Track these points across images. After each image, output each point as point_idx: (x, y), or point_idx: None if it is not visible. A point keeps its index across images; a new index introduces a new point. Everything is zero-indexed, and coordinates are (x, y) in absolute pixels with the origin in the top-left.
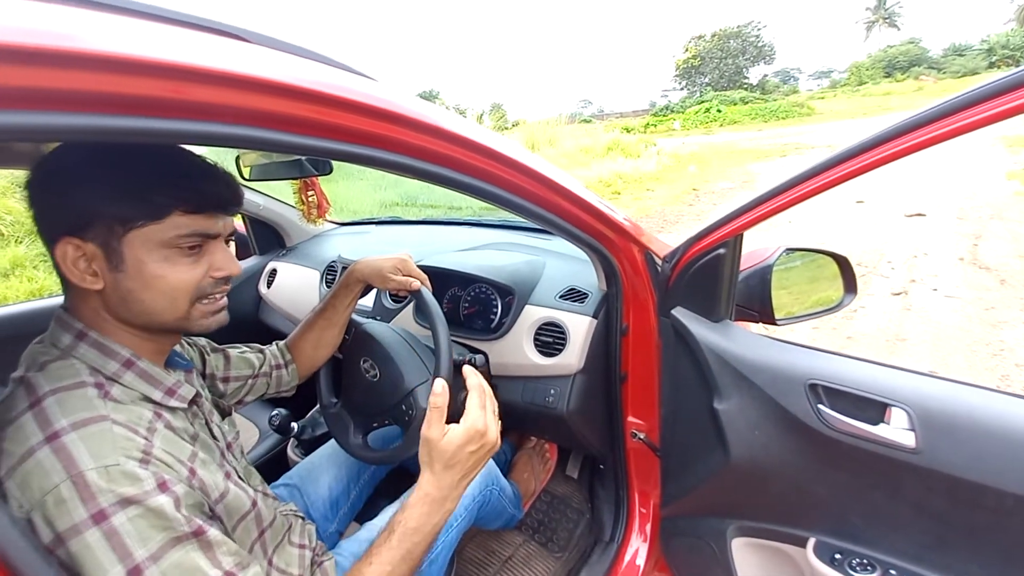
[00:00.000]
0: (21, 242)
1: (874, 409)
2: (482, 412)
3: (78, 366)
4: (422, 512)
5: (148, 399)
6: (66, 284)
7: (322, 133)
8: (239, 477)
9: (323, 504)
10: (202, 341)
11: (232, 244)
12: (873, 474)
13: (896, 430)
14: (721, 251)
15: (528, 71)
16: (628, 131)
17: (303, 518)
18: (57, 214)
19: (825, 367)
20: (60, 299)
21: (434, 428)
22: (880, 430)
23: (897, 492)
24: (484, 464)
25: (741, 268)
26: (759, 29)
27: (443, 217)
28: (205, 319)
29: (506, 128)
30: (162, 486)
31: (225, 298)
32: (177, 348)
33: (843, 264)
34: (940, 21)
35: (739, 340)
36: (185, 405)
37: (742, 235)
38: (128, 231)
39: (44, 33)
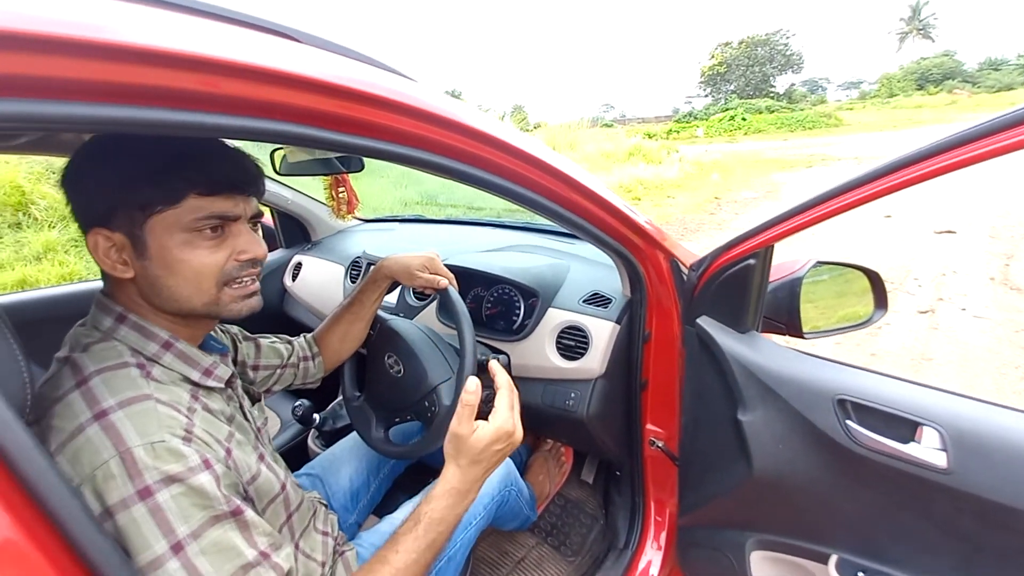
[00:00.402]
0: (54, 227)
1: (905, 427)
2: (511, 413)
3: (120, 348)
4: (447, 504)
5: (187, 380)
6: (103, 272)
7: (367, 132)
8: (271, 460)
9: (344, 495)
10: (234, 329)
11: (259, 229)
12: (901, 493)
13: (927, 449)
14: (751, 262)
15: (551, 73)
16: (650, 137)
17: (326, 506)
18: (85, 205)
19: (854, 383)
20: (97, 283)
21: (464, 424)
22: (910, 449)
23: (925, 512)
24: (504, 459)
25: (770, 280)
26: (788, 37)
27: (466, 217)
28: (235, 304)
29: (527, 130)
30: (204, 463)
31: (257, 283)
32: (212, 333)
33: (874, 279)
34: (976, 34)
35: (766, 352)
36: (222, 385)
37: (773, 246)
38: (148, 217)
39: (108, 29)
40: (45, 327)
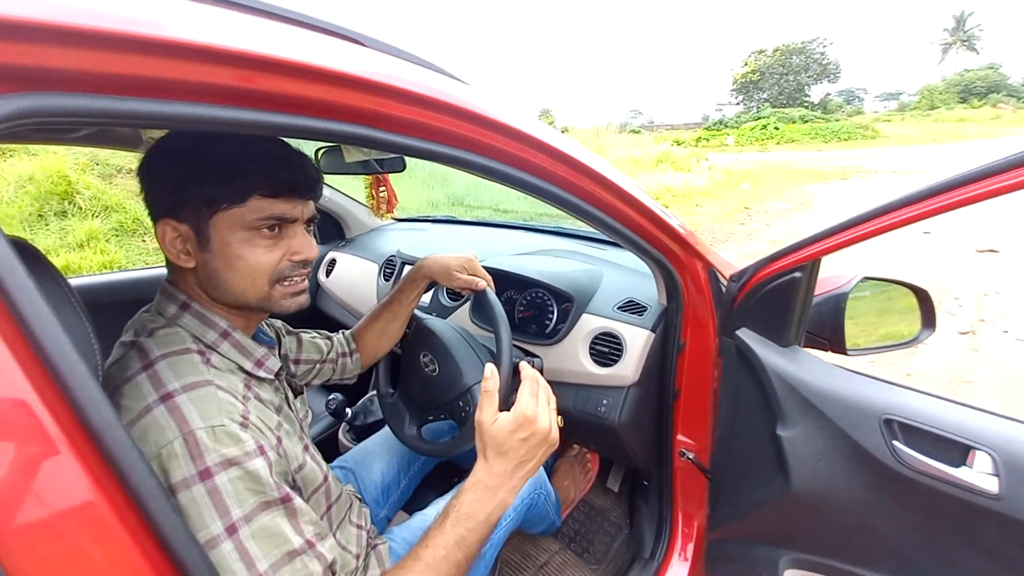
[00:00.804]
0: (97, 216)
1: (955, 450)
2: (532, 399)
3: (183, 334)
4: (474, 498)
5: (241, 369)
6: (168, 261)
7: (425, 135)
8: (314, 451)
9: (375, 489)
10: (278, 323)
11: (311, 230)
12: (948, 517)
13: (978, 474)
14: (797, 275)
15: (579, 77)
16: (679, 144)
17: (360, 499)
18: (158, 197)
19: (901, 402)
20: (151, 269)
21: (485, 412)
22: (961, 473)
23: (973, 538)
24: (541, 458)
25: (814, 294)
26: (825, 46)
27: (498, 220)
28: (285, 300)
29: None
30: (259, 449)
31: (306, 282)
32: (261, 326)
33: (923, 297)
34: (1022, 47)
35: (808, 367)
36: (272, 376)
37: (820, 260)
38: (214, 213)
39: (188, 30)
40: (111, 310)
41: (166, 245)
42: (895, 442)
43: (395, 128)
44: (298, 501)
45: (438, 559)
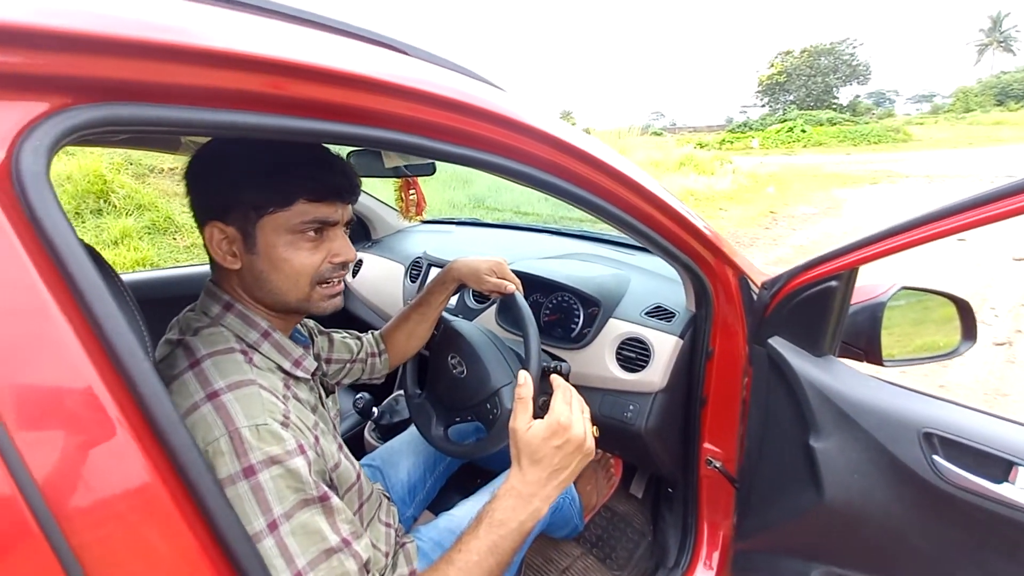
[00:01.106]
0: (131, 215)
1: (998, 466)
2: (566, 407)
3: (226, 334)
4: (508, 505)
5: (280, 368)
6: (212, 262)
7: (463, 141)
8: (347, 450)
9: (401, 488)
10: (311, 323)
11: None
12: (990, 535)
13: (1022, 491)
14: (833, 283)
15: (599, 79)
16: (702, 147)
17: (388, 498)
18: (206, 200)
19: (941, 416)
20: (191, 268)
21: (520, 419)
22: (1004, 489)
23: (1014, 556)
24: (576, 467)
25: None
26: (855, 47)
27: (524, 223)
28: (324, 301)
29: None
30: (299, 448)
31: (343, 284)
32: (296, 326)
33: (963, 308)
34: None
35: (843, 378)
36: (309, 376)
37: (857, 269)
38: (261, 217)
39: (241, 40)
40: (154, 306)
41: (213, 247)
42: (935, 456)
43: (436, 135)
44: (335, 500)
45: (471, 564)
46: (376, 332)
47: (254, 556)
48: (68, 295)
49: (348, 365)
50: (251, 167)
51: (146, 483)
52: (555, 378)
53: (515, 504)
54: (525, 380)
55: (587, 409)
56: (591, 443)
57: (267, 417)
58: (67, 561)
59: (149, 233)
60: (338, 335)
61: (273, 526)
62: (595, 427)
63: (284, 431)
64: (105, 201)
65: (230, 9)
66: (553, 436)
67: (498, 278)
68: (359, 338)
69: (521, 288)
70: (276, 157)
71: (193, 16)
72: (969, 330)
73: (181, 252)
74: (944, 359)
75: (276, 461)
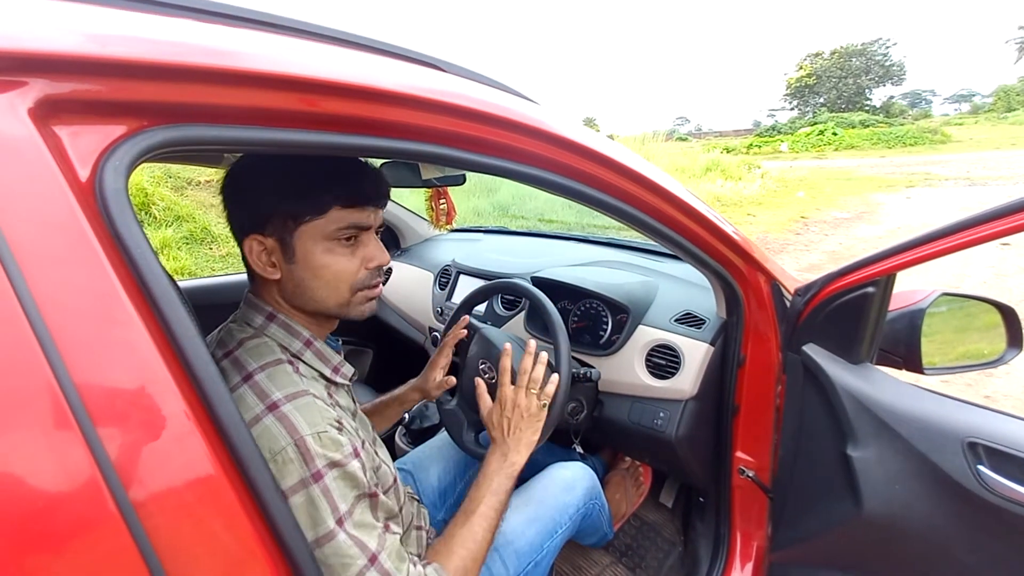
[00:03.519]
0: (170, 226)
1: None
2: (510, 389)
3: (271, 344)
4: (493, 459)
5: (322, 376)
6: (251, 273)
7: (499, 153)
8: (384, 454)
9: (432, 492)
10: None
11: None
12: None
13: None
14: (870, 290)
15: (623, 84)
16: (729, 151)
17: (419, 501)
18: (244, 213)
19: (986, 425)
20: (227, 277)
21: (482, 406)
22: None
23: None
24: (534, 427)
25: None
26: (888, 47)
27: (551, 231)
28: (362, 305)
29: None
30: (354, 451)
31: (380, 288)
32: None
33: (1008, 315)
34: None
35: (882, 386)
36: (348, 382)
37: (895, 275)
38: (298, 226)
39: (305, 66)
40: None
41: (253, 259)
42: (980, 467)
43: (473, 147)
44: (381, 496)
45: (477, 503)
46: None
47: (305, 550)
48: (144, 302)
49: None
50: (285, 179)
51: (211, 476)
52: (503, 360)
53: (498, 459)
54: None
55: (553, 382)
56: (534, 410)
57: (326, 424)
58: (142, 542)
59: (187, 243)
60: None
61: (340, 522)
62: (555, 384)
63: (341, 436)
64: (146, 213)
65: (276, 34)
66: (504, 412)
67: (442, 368)
68: None
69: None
70: (308, 168)
71: (242, 41)
72: (1015, 337)
73: (217, 261)
74: (989, 367)
75: (337, 464)
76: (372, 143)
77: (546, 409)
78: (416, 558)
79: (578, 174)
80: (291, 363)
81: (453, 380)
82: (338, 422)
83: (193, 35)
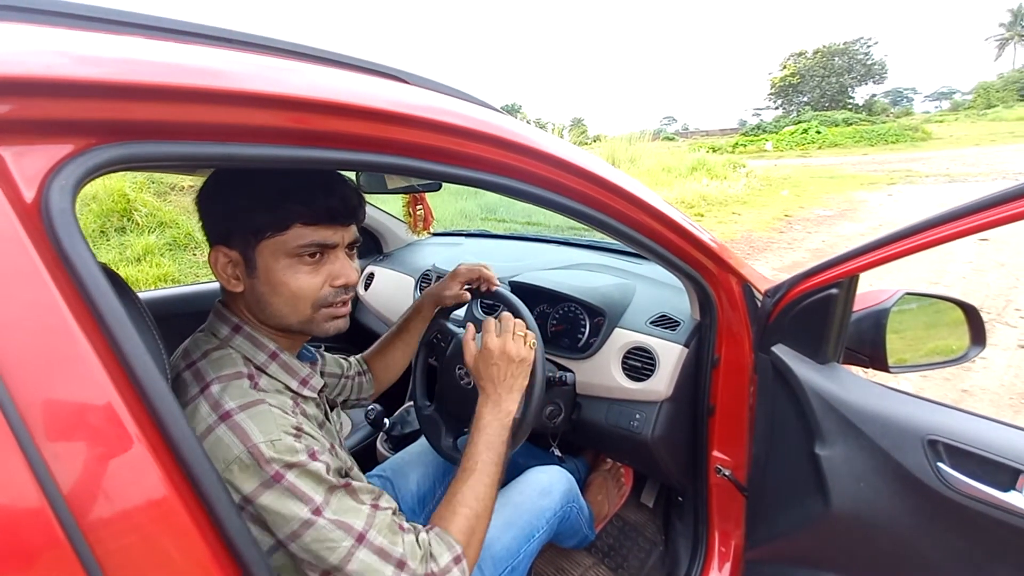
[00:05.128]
0: (153, 232)
1: (1004, 474)
2: (497, 338)
3: (235, 355)
4: (486, 411)
5: (288, 388)
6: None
7: (464, 163)
8: (352, 464)
9: (411, 498)
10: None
11: (355, 254)
12: (997, 543)
13: None
14: (833, 291)
15: (610, 85)
16: (714, 151)
17: (399, 508)
18: (211, 225)
19: (947, 423)
20: (211, 284)
21: (467, 354)
22: (1011, 497)
23: (1023, 565)
24: (522, 373)
25: (854, 309)
26: (869, 46)
27: (531, 233)
28: (326, 323)
29: (586, 143)
30: (312, 455)
31: (348, 306)
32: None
33: (971, 313)
34: None
35: (847, 385)
36: (315, 395)
37: (858, 276)
38: (259, 241)
39: (252, 80)
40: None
41: (218, 270)
42: (940, 464)
43: (437, 158)
44: (355, 482)
45: (475, 455)
46: (359, 356)
47: (263, 564)
48: (91, 319)
49: (341, 380)
50: (250, 193)
51: (163, 496)
52: (486, 321)
53: (491, 409)
54: (470, 327)
55: (532, 335)
56: (523, 354)
57: (280, 432)
58: (90, 568)
59: (171, 249)
60: (329, 354)
61: (317, 512)
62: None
63: (297, 443)
64: (128, 219)
65: (229, 49)
66: (490, 359)
67: (471, 280)
68: (346, 358)
69: (498, 284)
70: (275, 183)
71: (193, 56)
72: (978, 335)
73: (201, 267)
74: (954, 364)
75: (296, 466)
76: (330, 156)
77: (533, 351)
78: (413, 527)
79: (544, 181)
80: (251, 378)
81: (468, 295)
82: (296, 429)
83: (142, 52)
